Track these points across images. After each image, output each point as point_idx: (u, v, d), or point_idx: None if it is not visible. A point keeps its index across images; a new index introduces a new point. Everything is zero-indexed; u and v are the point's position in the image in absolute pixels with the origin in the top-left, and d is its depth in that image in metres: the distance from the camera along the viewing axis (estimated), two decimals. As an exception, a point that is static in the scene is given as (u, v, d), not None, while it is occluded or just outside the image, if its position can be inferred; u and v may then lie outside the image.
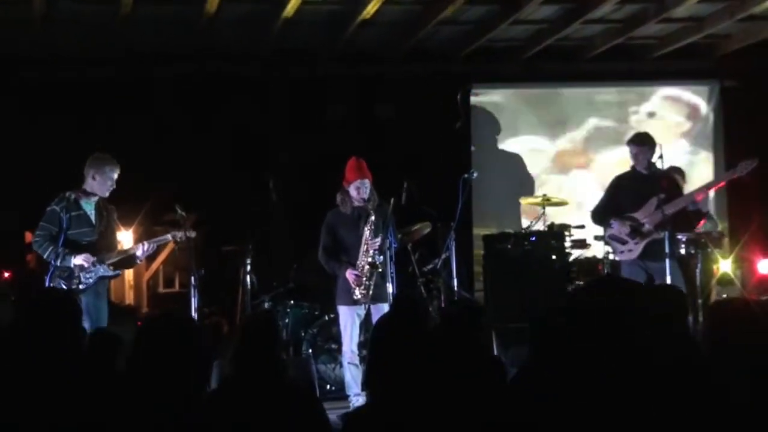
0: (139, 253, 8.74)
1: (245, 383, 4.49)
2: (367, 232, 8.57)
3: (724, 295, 9.97)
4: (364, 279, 8.52)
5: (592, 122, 13.13)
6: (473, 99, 12.81)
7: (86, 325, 8.12)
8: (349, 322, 8.65)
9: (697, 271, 9.82)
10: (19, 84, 11.53)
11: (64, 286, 8.31)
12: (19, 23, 10.52)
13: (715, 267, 10.19)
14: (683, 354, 3.30)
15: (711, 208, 11.85)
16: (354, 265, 8.58)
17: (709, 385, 3.38)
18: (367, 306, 8.59)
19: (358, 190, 8.62)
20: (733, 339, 3.55)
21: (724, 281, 10.24)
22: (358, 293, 8.54)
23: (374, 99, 12.31)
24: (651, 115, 13.14)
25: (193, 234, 8.70)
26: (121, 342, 5.99)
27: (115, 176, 8.56)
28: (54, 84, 11.61)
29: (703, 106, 13.31)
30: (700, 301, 9.50)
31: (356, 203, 8.66)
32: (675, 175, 9.94)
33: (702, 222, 9.86)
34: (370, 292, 8.53)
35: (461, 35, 11.88)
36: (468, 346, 4.75)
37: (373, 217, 8.54)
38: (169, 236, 8.89)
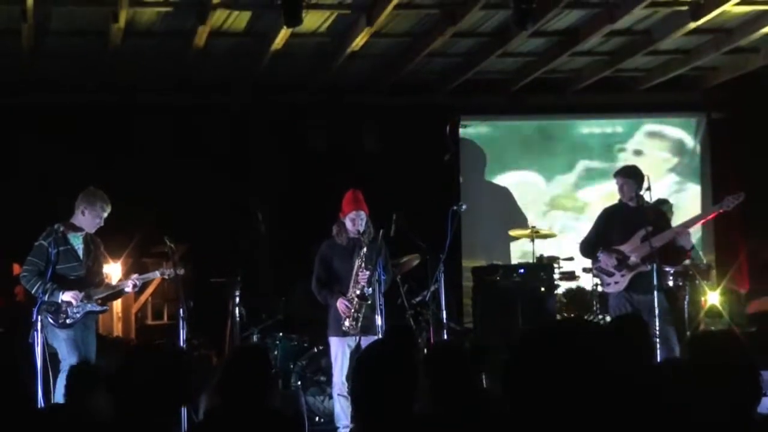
0: (128, 289, 8.75)
1: (232, 414, 4.48)
2: (357, 264, 8.60)
3: (712, 328, 10.00)
4: (353, 310, 8.54)
5: (579, 157, 13.18)
6: (462, 131, 12.84)
7: (75, 358, 8.12)
8: (339, 353, 8.66)
9: (685, 303, 9.86)
10: (3, 111, 11.51)
11: (51, 320, 8.29)
12: (7, 54, 10.55)
13: (703, 299, 10.21)
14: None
15: (698, 241, 11.88)
16: (346, 295, 8.62)
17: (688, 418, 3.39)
18: (357, 338, 8.61)
19: (353, 221, 8.67)
20: (715, 372, 3.55)
21: (712, 313, 10.27)
22: (347, 323, 8.56)
23: (362, 131, 12.34)
24: (638, 153, 13.18)
25: (181, 271, 8.68)
26: (98, 376, 5.97)
27: (105, 214, 8.53)
28: (40, 112, 11.60)
29: (689, 141, 13.36)
30: (689, 333, 9.51)
31: (352, 235, 8.70)
32: (662, 208, 9.97)
33: (688, 255, 9.90)
34: (359, 323, 8.55)
35: (450, 67, 11.94)
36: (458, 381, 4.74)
37: (365, 249, 8.57)
38: (157, 273, 8.89)
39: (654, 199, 9.13)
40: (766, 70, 12.20)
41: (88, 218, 8.50)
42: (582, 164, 13.16)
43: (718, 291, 10.50)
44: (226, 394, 4.53)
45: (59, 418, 4.41)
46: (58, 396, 7.74)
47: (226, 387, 4.58)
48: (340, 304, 8.59)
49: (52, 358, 8.25)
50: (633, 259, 8.92)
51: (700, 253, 11.78)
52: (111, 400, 3.63)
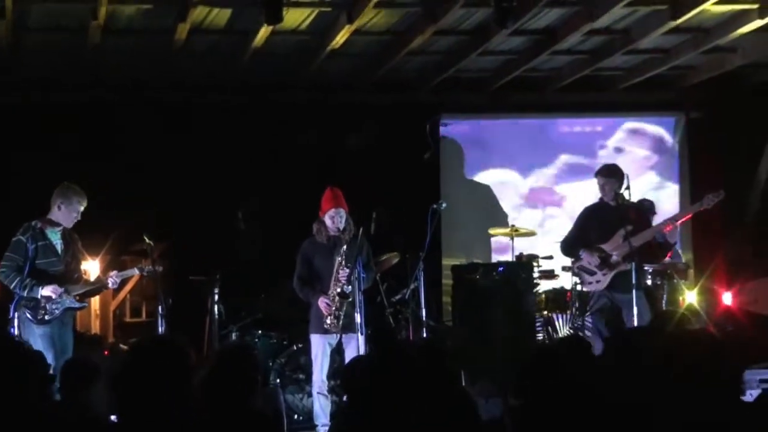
0: (109, 285, 8.74)
1: (212, 412, 4.48)
2: (337, 261, 8.61)
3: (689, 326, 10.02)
4: (334, 308, 8.55)
5: (561, 154, 13.21)
6: (442, 129, 12.85)
7: (51, 355, 8.09)
8: (320, 351, 8.67)
9: (663, 302, 9.89)
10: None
11: (29, 316, 8.26)
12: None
13: (680, 298, 10.26)
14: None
15: (677, 240, 11.92)
16: (327, 294, 8.62)
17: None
18: (338, 336, 8.61)
19: (333, 219, 8.68)
20: (692, 371, 3.57)
21: (690, 312, 10.30)
22: (328, 321, 8.57)
23: (343, 129, 12.32)
24: (618, 150, 13.23)
25: (160, 268, 8.71)
26: (94, 371, 5.96)
27: (81, 208, 8.53)
28: (20, 110, 11.54)
29: (669, 139, 13.42)
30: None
31: (332, 233, 8.71)
32: (645, 208, 10.01)
33: (669, 254, 9.94)
34: (341, 321, 8.55)
35: (430, 66, 11.94)
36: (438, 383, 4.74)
37: (345, 247, 8.58)
38: (135, 270, 8.93)
39: (634, 197, 9.16)
40: (744, 70, 12.28)
41: (65, 213, 8.48)
42: (562, 160, 13.19)
43: (696, 290, 10.55)
44: (210, 391, 4.52)
45: (59, 414, 4.39)
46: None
47: (211, 385, 4.57)
48: (321, 302, 8.60)
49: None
50: (614, 257, 8.95)
51: (680, 251, 11.83)
52: (113, 398, 3.61)
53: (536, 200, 13.21)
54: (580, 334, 9.70)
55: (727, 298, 10.96)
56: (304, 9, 9.64)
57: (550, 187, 13.23)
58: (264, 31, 9.84)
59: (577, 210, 9.71)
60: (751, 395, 7.87)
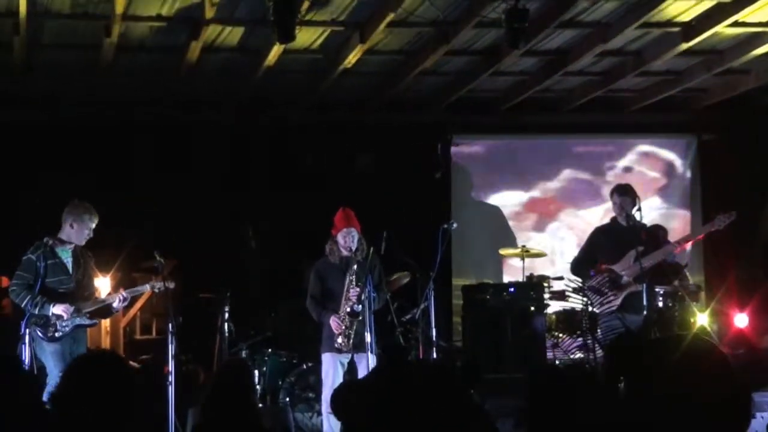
0: (116, 304, 8.73)
1: (217, 430, 4.47)
2: (348, 281, 8.63)
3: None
4: (344, 327, 8.57)
5: (570, 176, 13.18)
6: (453, 149, 12.85)
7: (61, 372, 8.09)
8: (331, 369, 8.68)
9: (675, 324, 9.85)
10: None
11: (39, 333, 8.27)
12: None
13: (692, 320, 10.21)
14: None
15: (687, 261, 11.89)
16: (338, 313, 8.64)
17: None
18: (350, 355, 8.63)
19: (345, 239, 8.73)
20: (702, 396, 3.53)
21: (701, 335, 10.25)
22: (339, 340, 8.59)
23: (354, 148, 12.35)
24: (627, 169, 13.20)
25: (172, 285, 8.70)
26: None
27: (93, 225, 8.55)
28: (31, 127, 11.57)
29: (679, 161, 13.39)
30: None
31: (344, 252, 8.73)
32: (658, 232, 9.98)
33: (679, 275, 9.90)
34: (351, 340, 8.57)
35: (442, 86, 11.95)
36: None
37: (355, 266, 8.60)
38: (147, 286, 8.95)
39: (644, 221, 9.14)
40: (756, 92, 12.26)
41: (77, 230, 8.50)
42: (571, 178, 13.17)
43: (708, 312, 10.50)
44: (211, 409, 4.52)
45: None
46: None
47: (212, 403, 4.57)
48: (333, 321, 8.62)
49: (40, 371, 8.24)
50: (625, 278, 8.91)
51: (688, 273, 11.77)
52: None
53: (547, 220, 13.18)
54: (591, 356, 9.66)
55: (738, 321, 10.90)
56: (316, 28, 9.66)
57: (561, 207, 13.20)
58: (276, 50, 9.86)
59: (588, 231, 9.69)
60: (762, 417, 7.89)
